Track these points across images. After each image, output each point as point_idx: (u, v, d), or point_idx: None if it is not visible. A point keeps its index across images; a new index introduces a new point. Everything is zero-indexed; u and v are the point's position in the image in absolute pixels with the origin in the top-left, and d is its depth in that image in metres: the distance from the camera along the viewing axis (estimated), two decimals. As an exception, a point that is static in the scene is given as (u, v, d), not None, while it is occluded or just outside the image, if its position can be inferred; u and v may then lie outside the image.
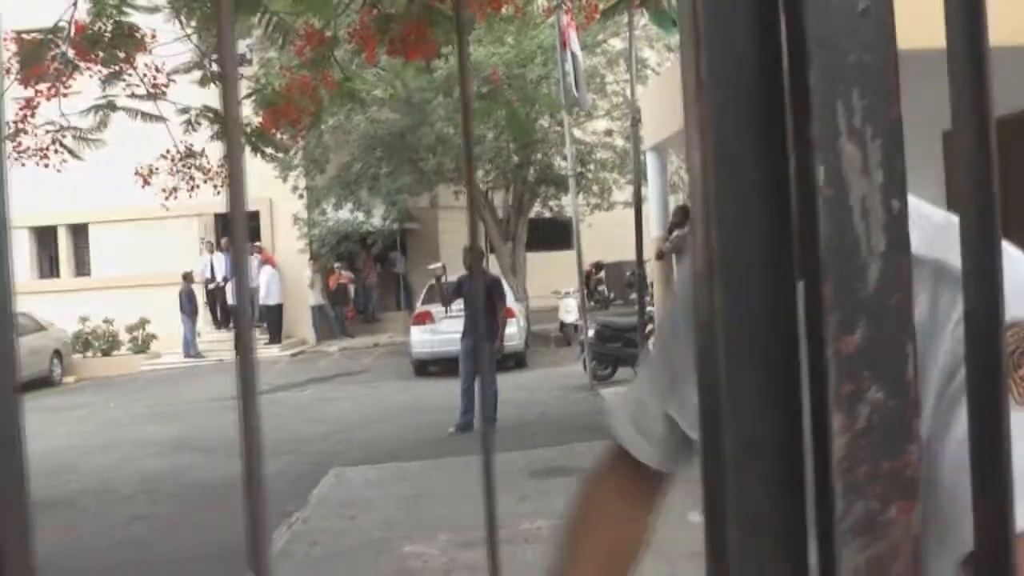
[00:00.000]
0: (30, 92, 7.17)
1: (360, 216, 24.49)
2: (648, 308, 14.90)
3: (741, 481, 0.64)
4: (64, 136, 7.80)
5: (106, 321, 24.08)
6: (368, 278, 27.78)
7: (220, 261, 24.87)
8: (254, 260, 24.55)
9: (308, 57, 7.98)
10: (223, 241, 25.75)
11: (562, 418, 12.11)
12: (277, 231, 25.66)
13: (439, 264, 12.08)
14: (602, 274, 28.43)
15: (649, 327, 14.76)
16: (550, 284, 23.43)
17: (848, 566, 0.63)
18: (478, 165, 22.90)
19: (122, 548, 8.01)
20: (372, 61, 8.24)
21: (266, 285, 24.13)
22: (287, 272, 24.79)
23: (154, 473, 10.87)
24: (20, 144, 7.35)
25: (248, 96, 8.45)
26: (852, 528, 0.63)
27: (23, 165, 7.28)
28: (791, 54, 0.63)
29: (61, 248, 27.16)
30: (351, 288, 26.61)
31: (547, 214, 25.96)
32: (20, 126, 7.31)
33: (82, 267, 27.24)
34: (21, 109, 7.31)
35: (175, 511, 9.21)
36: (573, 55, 13.58)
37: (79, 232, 26.91)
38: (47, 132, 7.66)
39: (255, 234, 25.94)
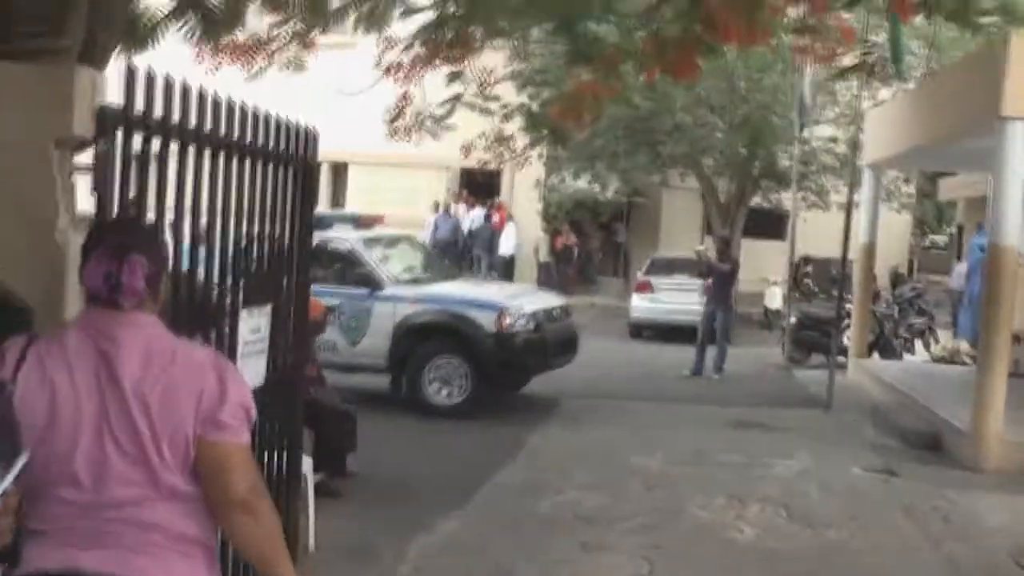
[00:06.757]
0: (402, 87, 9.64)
1: (596, 187, 26.83)
2: (847, 304, 16.66)
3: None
4: (424, 121, 10.37)
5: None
6: (592, 243, 30.23)
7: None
8: (478, 212, 27.41)
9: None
10: (464, 194, 28.60)
11: (758, 388, 14.10)
12: (517, 190, 28.18)
13: (703, 247, 17.77)
14: (809, 268, 29.66)
15: (845, 322, 16.53)
16: (760, 270, 24.89)
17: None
18: (708, 153, 24.80)
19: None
20: (651, 81, 10.42)
21: (505, 237, 26.77)
22: (522, 230, 27.34)
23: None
24: (395, 125, 10.01)
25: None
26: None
27: (397, 141, 9.98)
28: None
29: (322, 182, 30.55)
30: (575, 250, 28.94)
31: (766, 205, 27.44)
32: (400, 111, 9.95)
33: (337, 200, 30.61)
34: (399, 100, 9.93)
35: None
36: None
37: (339, 170, 30.27)
38: (415, 116, 10.24)
39: (495, 190, 28.66)
